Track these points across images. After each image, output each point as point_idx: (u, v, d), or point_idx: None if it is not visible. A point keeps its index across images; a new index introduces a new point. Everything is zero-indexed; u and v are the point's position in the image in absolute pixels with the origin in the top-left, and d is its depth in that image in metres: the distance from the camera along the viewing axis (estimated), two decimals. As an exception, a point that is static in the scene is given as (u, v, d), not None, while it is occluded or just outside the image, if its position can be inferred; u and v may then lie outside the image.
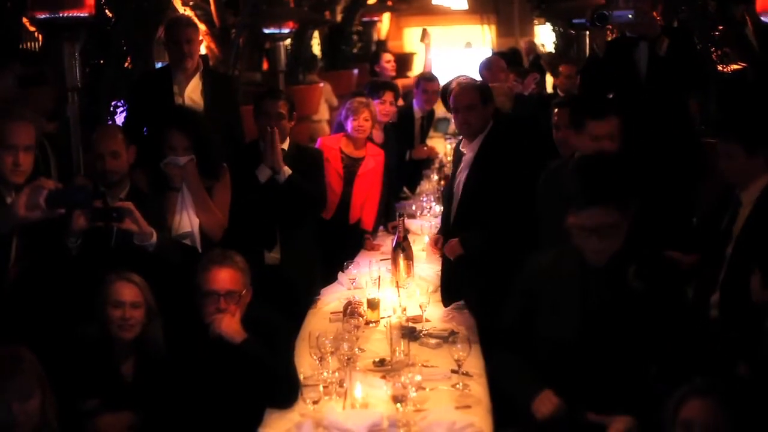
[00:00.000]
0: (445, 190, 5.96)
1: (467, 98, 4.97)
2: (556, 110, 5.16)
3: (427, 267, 5.58)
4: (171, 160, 4.76)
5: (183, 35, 5.65)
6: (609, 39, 5.93)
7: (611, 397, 3.05)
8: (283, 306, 4.40)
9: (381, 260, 5.64)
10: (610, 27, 5.97)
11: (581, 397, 3.07)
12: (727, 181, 4.32)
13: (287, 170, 5.32)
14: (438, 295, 5.07)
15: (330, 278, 5.49)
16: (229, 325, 3.79)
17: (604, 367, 3.07)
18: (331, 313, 4.92)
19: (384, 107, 6.84)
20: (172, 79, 5.67)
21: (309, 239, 5.67)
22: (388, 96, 6.89)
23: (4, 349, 3.08)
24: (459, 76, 5.57)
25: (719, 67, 6.68)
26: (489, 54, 9.13)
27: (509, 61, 9.22)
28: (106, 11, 6.36)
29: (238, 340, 3.78)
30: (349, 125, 6.17)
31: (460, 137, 5.36)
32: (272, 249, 5.52)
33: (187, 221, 4.78)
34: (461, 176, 5.10)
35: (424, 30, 10.19)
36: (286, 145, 5.46)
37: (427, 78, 8.09)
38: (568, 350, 3.12)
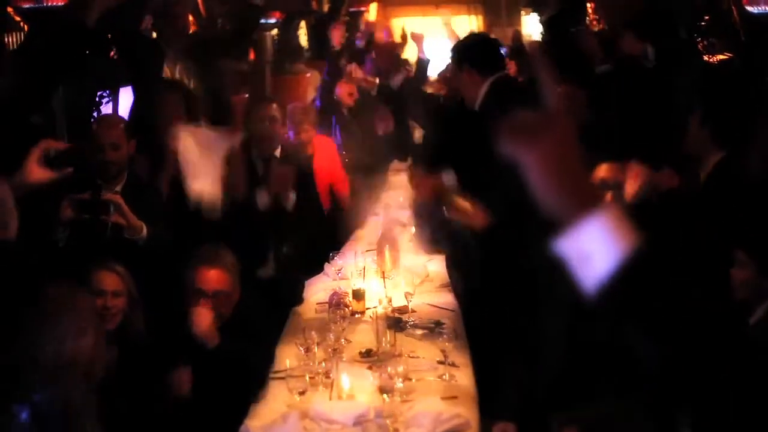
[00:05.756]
0: None
1: None
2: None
3: (412, 257, 5.57)
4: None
5: None
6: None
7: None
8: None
9: (367, 251, 5.64)
10: None
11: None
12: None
13: (293, 197, 4.93)
14: (423, 287, 5.08)
15: (316, 269, 5.48)
16: (204, 330, 3.81)
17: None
18: (317, 303, 4.91)
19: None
20: None
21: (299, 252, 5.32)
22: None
23: (61, 286, 3.01)
24: None
25: (705, 57, 6.69)
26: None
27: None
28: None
29: (212, 346, 3.81)
30: (291, 135, 6.24)
31: None
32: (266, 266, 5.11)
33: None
34: None
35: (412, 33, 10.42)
36: (278, 153, 5.26)
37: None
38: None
